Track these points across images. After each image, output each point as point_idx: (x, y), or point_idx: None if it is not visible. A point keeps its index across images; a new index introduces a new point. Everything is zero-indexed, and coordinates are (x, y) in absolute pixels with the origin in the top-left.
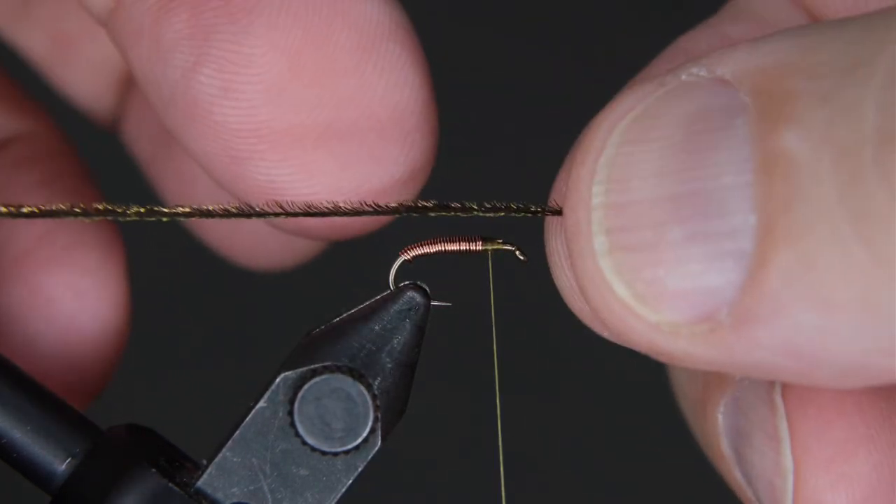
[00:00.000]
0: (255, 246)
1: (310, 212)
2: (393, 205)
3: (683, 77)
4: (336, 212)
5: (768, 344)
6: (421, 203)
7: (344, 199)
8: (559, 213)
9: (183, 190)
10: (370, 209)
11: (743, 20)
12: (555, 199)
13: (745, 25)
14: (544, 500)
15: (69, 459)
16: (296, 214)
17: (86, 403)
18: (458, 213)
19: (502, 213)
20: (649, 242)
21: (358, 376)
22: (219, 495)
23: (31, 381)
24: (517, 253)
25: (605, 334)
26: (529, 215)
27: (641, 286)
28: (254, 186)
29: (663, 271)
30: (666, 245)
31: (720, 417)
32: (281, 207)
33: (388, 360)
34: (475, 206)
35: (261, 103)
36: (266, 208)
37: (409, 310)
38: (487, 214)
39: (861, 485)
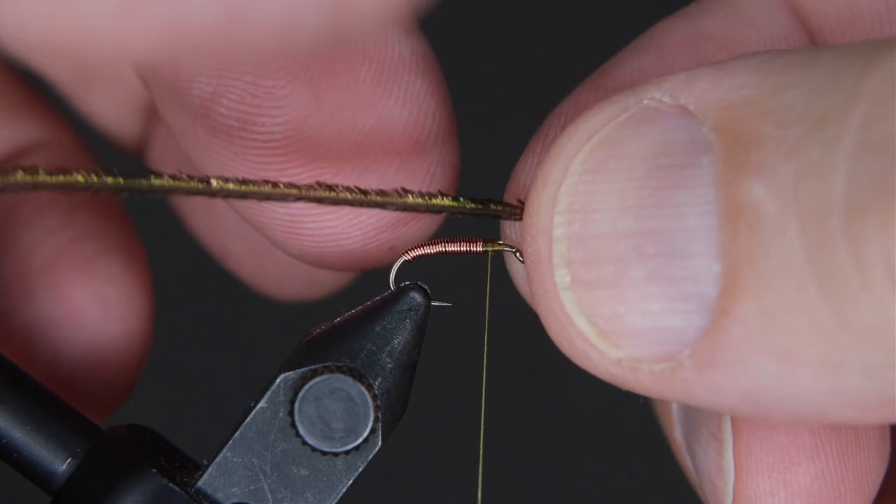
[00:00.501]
0: (280, 277)
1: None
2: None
3: (646, 102)
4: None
5: (728, 388)
6: (382, 199)
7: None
8: (519, 217)
9: (207, 221)
10: (330, 196)
11: (721, 14)
12: (512, 190)
13: (724, 20)
14: (547, 498)
15: (69, 459)
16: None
17: (110, 411)
18: (419, 210)
19: (458, 213)
20: (610, 279)
21: (358, 376)
22: (219, 495)
23: (32, 380)
24: (517, 254)
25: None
26: (489, 214)
27: (602, 322)
28: (274, 218)
29: (624, 309)
30: (627, 282)
31: (674, 404)
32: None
33: (388, 360)
34: (437, 204)
35: (280, 135)
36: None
37: (410, 310)
38: (452, 212)
39: (801, 494)
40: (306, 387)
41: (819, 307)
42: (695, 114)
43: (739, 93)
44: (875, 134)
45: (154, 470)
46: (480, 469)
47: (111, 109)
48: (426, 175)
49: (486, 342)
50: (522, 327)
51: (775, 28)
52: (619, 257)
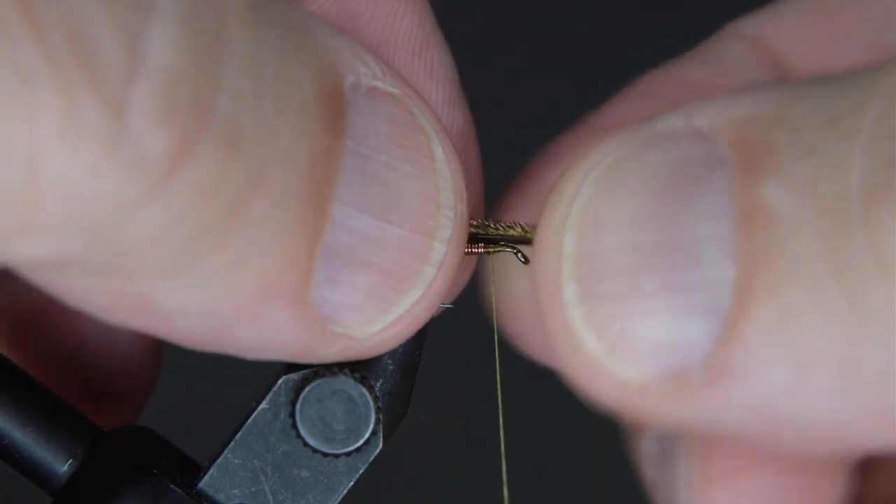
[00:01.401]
0: None
1: None
2: None
3: (659, 127)
4: None
5: (741, 402)
6: None
7: None
8: (529, 241)
9: None
10: None
11: (704, 64)
12: (509, 214)
13: (707, 69)
14: (554, 496)
15: (70, 460)
16: None
17: (134, 414)
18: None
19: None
20: (621, 292)
21: (360, 378)
22: (220, 496)
23: (32, 380)
24: (519, 256)
25: (546, 363)
26: (500, 241)
27: (611, 338)
28: None
29: (633, 323)
30: (638, 296)
31: (649, 441)
32: None
33: (389, 361)
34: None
35: None
36: None
37: None
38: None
39: (760, 502)
40: (307, 388)
41: (836, 301)
42: (708, 134)
43: (753, 109)
44: (891, 123)
45: (155, 471)
46: (504, 469)
47: None
48: None
49: (496, 343)
50: None
51: (756, 79)
52: (630, 270)
